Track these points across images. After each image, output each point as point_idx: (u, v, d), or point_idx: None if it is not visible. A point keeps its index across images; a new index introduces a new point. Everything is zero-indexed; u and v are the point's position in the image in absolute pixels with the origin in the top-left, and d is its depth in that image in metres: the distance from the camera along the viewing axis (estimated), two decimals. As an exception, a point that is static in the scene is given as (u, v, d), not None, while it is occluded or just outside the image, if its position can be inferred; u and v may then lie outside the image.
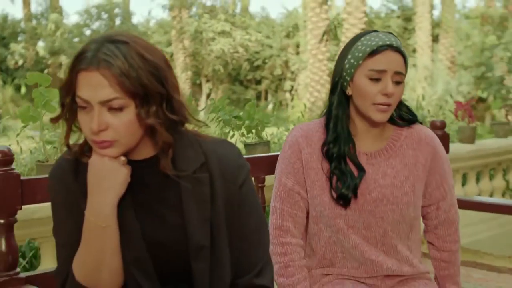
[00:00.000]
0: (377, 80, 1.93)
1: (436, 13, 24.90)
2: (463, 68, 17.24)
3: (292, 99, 14.70)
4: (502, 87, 14.62)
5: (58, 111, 1.53)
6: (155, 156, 1.55)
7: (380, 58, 1.92)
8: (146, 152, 1.55)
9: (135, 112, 1.45)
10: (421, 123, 2.12)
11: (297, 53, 23.51)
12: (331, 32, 17.28)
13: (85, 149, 1.55)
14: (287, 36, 24.18)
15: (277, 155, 2.13)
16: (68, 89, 1.47)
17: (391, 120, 2.05)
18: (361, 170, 1.99)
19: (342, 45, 15.05)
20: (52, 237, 2.70)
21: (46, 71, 25.00)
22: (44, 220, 2.54)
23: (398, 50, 1.93)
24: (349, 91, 1.98)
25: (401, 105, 2.06)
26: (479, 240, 4.42)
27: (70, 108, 1.50)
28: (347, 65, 1.96)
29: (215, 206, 1.56)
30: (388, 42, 1.92)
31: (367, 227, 1.99)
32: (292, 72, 23.49)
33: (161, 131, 1.47)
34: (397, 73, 1.93)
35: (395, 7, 22.34)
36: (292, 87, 23.27)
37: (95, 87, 1.42)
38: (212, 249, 1.56)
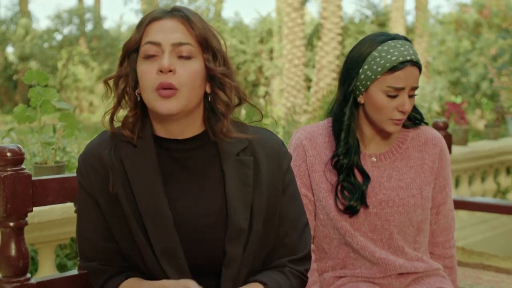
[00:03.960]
0: (394, 96, 1.89)
1: (410, 18, 25.17)
2: (438, 73, 17.35)
3: (266, 105, 14.64)
4: (477, 92, 14.76)
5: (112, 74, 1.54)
6: (201, 134, 1.55)
7: (400, 75, 1.87)
8: (192, 129, 1.54)
9: (202, 64, 1.47)
10: (426, 123, 2.09)
11: (271, 59, 23.46)
12: (313, 36, 17.27)
13: (130, 121, 1.52)
14: (261, 41, 24.10)
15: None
16: (133, 44, 1.48)
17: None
18: (366, 177, 1.96)
19: (318, 50, 15.17)
20: (50, 243, 2.65)
21: (15, 76, 24.64)
22: (43, 224, 2.47)
23: (416, 63, 1.89)
24: (361, 100, 1.95)
25: None
26: (473, 242, 4.42)
27: (126, 72, 1.50)
28: (362, 76, 1.91)
29: (257, 190, 1.53)
30: (408, 58, 1.87)
31: (373, 229, 1.96)
32: (266, 78, 23.43)
33: (225, 87, 1.50)
34: (414, 88, 1.91)
35: (369, 13, 22.43)
36: (266, 92, 23.22)
37: (168, 31, 1.45)
38: (247, 233, 1.53)
